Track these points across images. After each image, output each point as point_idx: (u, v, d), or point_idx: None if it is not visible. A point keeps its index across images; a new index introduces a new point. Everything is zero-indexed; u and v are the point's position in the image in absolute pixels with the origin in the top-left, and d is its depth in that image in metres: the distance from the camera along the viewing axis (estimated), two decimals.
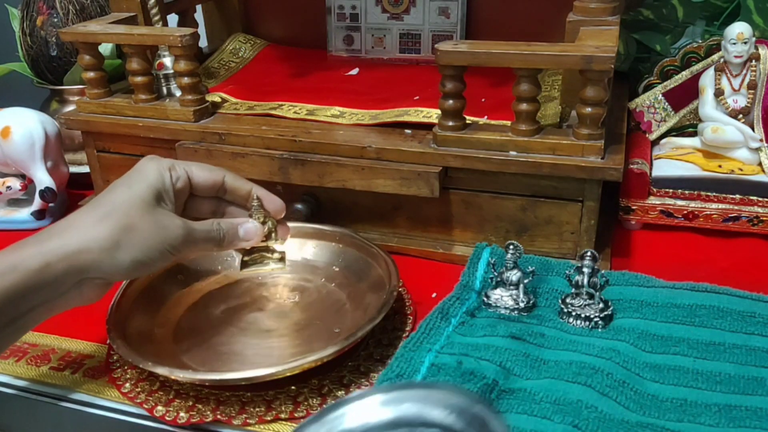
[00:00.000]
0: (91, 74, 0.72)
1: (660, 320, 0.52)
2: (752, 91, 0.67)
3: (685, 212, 0.67)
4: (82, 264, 0.45)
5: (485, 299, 0.55)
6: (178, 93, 0.72)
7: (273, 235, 0.54)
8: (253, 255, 0.55)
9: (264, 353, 0.53)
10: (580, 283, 0.53)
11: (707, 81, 0.69)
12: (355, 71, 0.85)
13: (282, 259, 0.55)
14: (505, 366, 0.48)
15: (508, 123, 0.61)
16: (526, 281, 0.55)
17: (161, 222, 0.48)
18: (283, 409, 0.47)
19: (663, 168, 0.69)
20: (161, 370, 0.47)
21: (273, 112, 0.71)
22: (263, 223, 0.54)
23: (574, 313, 0.53)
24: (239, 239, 0.53)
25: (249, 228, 0.53)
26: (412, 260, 0.65)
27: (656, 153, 0.73)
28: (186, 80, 0.68)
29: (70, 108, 0.80)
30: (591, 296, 0.53)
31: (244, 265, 0.55)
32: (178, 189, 0.51)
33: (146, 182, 0.49)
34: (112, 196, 0.48)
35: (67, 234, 0.45)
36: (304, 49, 0.93)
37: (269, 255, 0.55)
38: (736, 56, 0.66)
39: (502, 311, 0.54)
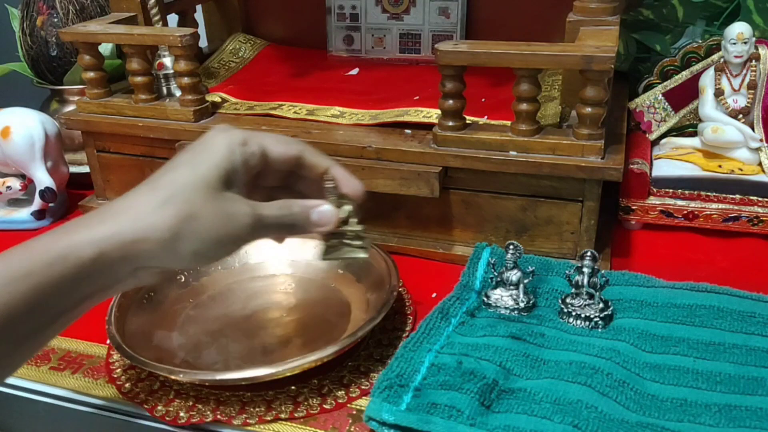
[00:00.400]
0: (91, 74, 0.72)
1: (660, 320, 0.52)
2: (752, 91, 0.67)
3: (685, 212, 0.67)
4: (139, 254, 0.40)
5: (485, 299, 0.55)
6: (178, 93, 0.72)
7: (351, 220, 0.48)
8: (333, 242, 0.48)
9: (264, 353, 0.53)
10: (580, 283, 0.53)
11: (707, 81, 0.69)
12: (355, 71, 0.85)
13: (364, 247, 0.48)
14: (505, 366, 0.48)
15: (508, 123, 0.61)
16: (526, 281, 0.55)
17: (227, 210, 0.42)
18: (283, 409, 0.47)
19: (663, 168, 0.69)
20: (161, 370, 0.47)
21: (273, 112, 0.71)
22: (339, 206, 0.47)
23: (574, 313, 0.53)
24: (312, 225, 0.46)
25: (323, 212, 0.46)
26: (412, 260, 0.65)
27: (656, 153, 0.73)
28: (186, 80, 0.68)
29: (70, 108, 0.80)
30: (591, 296, 0.53)
31: (324, 252, 0.49)
32: (250, 167, 0.44)
33: (213, 162, 0.42)
34: (174, 175, 0.42)
35: (123, 219, 0.40)
36: (304, 49, 0.93)
37: (350, 242, 0.48)
38: (736, 56, 0.66)
39: (502, 311, 0.54)
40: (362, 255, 0.48)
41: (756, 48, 0.67)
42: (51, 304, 0.39)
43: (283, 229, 0.45)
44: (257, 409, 0.48)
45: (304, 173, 0.48)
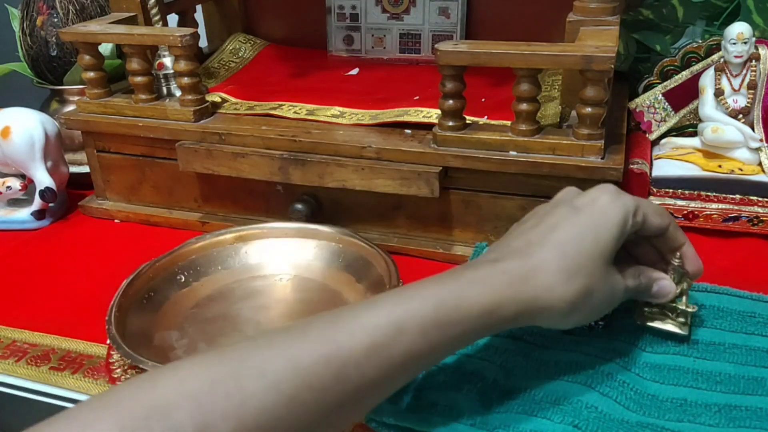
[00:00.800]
0: (91, 74, 0.72)
1: None
2: (752, 91, 0.67)
3: (685, 212, 0.67)
4: (538, 318, 0.42)
5: None
6: (178, 93, 0.72)
7: (684, 298, 0.49)
8: (654, 310, 0.50)
9: None
10: None
11: (707, 81, 0.69)
12: (355, 71, 0.85)
13: (686, 324, 0.50)
14: (505, 366, 0.48)
15: (508, 123, 0.61)
16: None
17: (612, 285, 0.44)
18: None
19: (663, 168, 0.69)
20: None
21: (273, 112, 0.71)
22: (678, 283, 0.49)
23: None
24: (650, 295, 0.48)
25: (663, 286, 0.48)
26: (412, 260, 0.65)
27: (656, 153, 0.73)
28: (186, 80, 0.68)
29: (70, 108, 0.80)
30: None
31: (643, 317, 0.51)
32: (628, 234, 0.45)
33: (613, 234, 0.43)
34: (582, 246, 0.42)
35: (539, 285, 0.41)
36: (304, 49, 0.93)
37: (672, 315, 0.50)
38: (736, 56, 0.66)
39: None
40: (681, 332, 0.50)
41: (756, 48, 0.67)
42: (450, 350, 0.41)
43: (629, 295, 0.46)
44: None
45: (655, 243, 0.49)
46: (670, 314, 0.50)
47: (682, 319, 0.50)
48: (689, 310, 0.49)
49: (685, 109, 0.74)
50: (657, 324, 0.50)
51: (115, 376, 0.52)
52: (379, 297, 0.40)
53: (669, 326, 0.50)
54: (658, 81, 0.75)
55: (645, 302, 0.50)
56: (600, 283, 0.42)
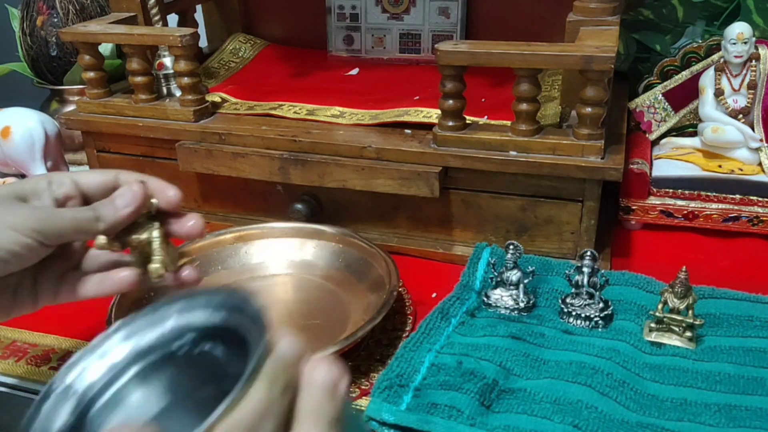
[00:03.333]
0: (91, 74, 0.72)
1: None
2: (752, 91, 0.67)
3: (685, 212, 0.67)
4: None
5: (485, 299, 0.55)
6: (178, 93, 0.72)
7: (690, 312, 0.49)
8: (661, 326, 0.51)
9: None
10: (580, 283, 0.53)
11: (707, 81, 0.69)
12: (355, 71, 0.85)
13: (693, 339, 0.50)
14: (505, 366, 0.48)
15: (508, 123, 0.61)
16: (526, 281, 0.55)
17: (14, 205, 0.41)
18: None
19: (663, 168, 0.69)
20: None
21: (273, 112, 0.71)
22: (683, 297, 0.49)
23: (574, 313, 0.53)
24: (115, 206, 0.43)
25: (121, 192, 0.44)
26: (412, 260, 0.65)
27: (656, 153, 0.73)
28: (186, 80, 0.68)
29: (70, 108, 0.80)
30: (591, 296, 0.53)
31: (650, 331, 0.51)
32: (59, 196, 0.43)
33: (13, 185, 0.43)
34: None
35: None
36: (304, 49, 0.93)
37: (678, 330, 0.50)
38: (736, 56, 0.66)
39: (502, 311, 0.54)
40: (686, 346, 0.50)
41: (756, 48, 0.67)
42: None
43: (83, 221, 0.42)
44: None
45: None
46: (677, 329, 0.50)
47: (689, 334, 0.50)
48: (696, 323, 0.50)
49: (685, 109, 0.74)
50: (665, 339, 0.50)
51: None
52: None
53: (676, 341, 0.50)
54: (658, 81, 0.75)
55: (652, 317, 0.51)
56: None
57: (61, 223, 0.42)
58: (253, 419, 0.25)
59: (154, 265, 0.44)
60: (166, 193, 0.45)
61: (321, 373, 0.28)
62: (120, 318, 0.53)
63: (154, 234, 0.44)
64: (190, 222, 0.45)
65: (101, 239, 0.43)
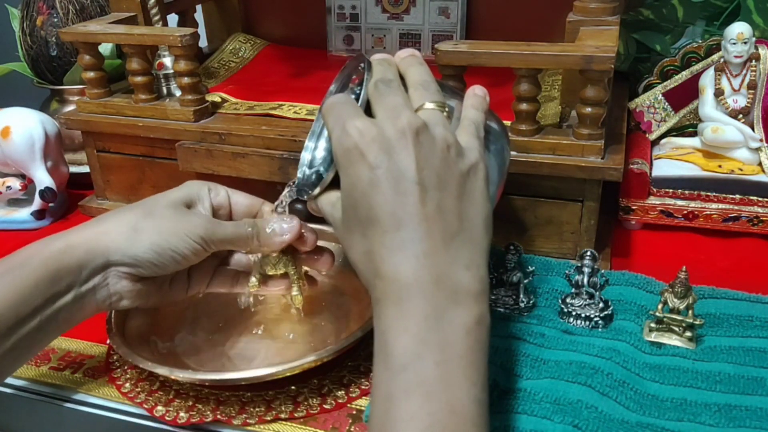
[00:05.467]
0: (91, 74, 0.72)
1: None
2: (752, 91, 0.67)
3: (685, 212, 0.67)
4: (102, 247, 0.45)
5: None
6: (178, 93, 0.72)
7: (690, 311, 0.50)
8: (661, 326, 0.51)
9: (264, 353, 0.53)
10: (580, 282, 0.53)
11: (707, 81, 0.69)
12: None
13: (693, 339, 0.50)
14: (505, 366, 0.48)
15: (508, 123, 0.61)
16: (526, 281, 0.55)
17: (183, 214, 0.48)
18: (283, 409, 0.47)
19: (663, 168, 0.69)
20: (161, 370, 0.47)
21: (273, 112, 0.70)
22: (683, 297, 0.50)
23: (574, 313, 0.53)
24: (275, 232, 0.49)
25: (276, 224, 0.49)
26: None
27: (656, 153, 0.73)
28: (186, 80, 0.68)
29: (70, 108, 0.80)
30: (591, 296, 0.53)
31: (650, 332, 0.51)
32: (216, 204, 0.51)
33: (181, 190, 0.50)
34: (145, 199, 0.49)
35: (92, 224, 0.47)
36: (304, 49, 0.93)
37: (678, 330, 0.50)
38: (736, 56, 0.66)
39: (502, 311, 0.54)
40: (688, 347, 0.50)
41: (756, 48, 0.67)
42: (29, 300, 0.43)
43: (242, 237, 0.49)
44: (257, 409, 0.48)
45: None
46: (677, 329, 0.50)
47: (689, 334, 0.50)
48: (696, 323, 0.50)
49: (685, 109, 0.74)
50: (665, 339, 0.50)
51: (115, 376, 0.52)
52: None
53: (676, 341, 0.50)
54: (658, 81, 0.75)
55: (652, 317, 0.51)
56: (164, 211, 0.48)
57: (225, 234, 0.48)
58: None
59: (295, 294, 0.52)
60: (308, 238, 0.51)
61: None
62: (119, 318, 0.53)
63: (290, 270, 0.52)
64: (322, 257, 0.52)
65: (253, 281, 0.51)
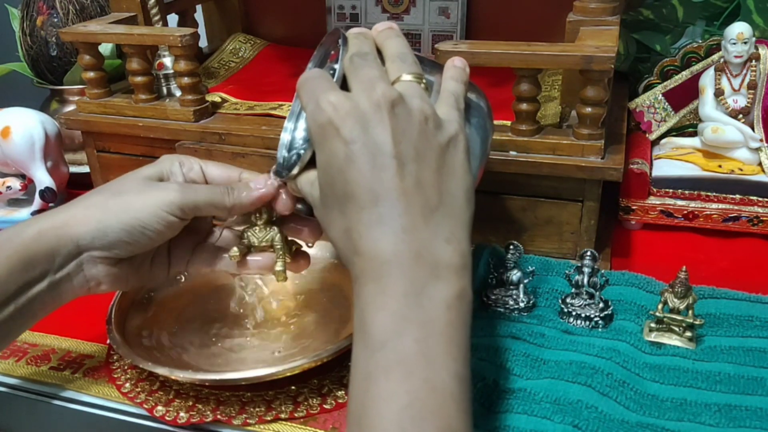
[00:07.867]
0: (91, 74, 0.72)
1: None
2: (752, 91, 0.67)
3: (685, 212, 0.67)
4: (73, 231, 0.44)
5: (485, 299, 0.55)
6: (178, 93, 0.72)
7: (690, 311, 0.50)
8: (661, 325, 0.51)
9: (264, 353, 0.53)
10: (580, 282, 0.53)
11: (707, 81, 0.69)
12: None
13: (693, 339, 0.50)
14: (505, 366, 0.48)
15: (508, 123, 0.61)
16: (526, 281, 0.55)
17: (153, 187, 0.45)
18: (283, 409, 0.47)
19: (663, 168, 0.69)
20: (161, 370, 0.47)
21: (273, 112, 0.70)
22: (683, 297, 0.50)
23: (574, 313, 0.53)
24: (248, 188, 0.47)
25: (256, 178, 0.48)
26: None
27: (656, 153, 0.73)
28: (186, 80, 0.68)
29: (70, 108, 0.80)
30: (591, 296, 0.53)
31: (650, 330, 0.51)
32: (189, 179, 0.48)
33: (153, 167, 0.48)
34: (117, 179, 0.47)
35: (63, 209, 0.45)
36: (304, 49, 0.92)
37: (678, 330, 0.50)
38: (736, 56, 0.66)
39: (502, 311, 0.54)
40: (686, 346, 0.50)
41: (756, 48, 0.67)
42: (2, 288, 0.42)
43: (217, 199, 0.46)
44: (257, 409, 0.48)
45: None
46: (677, 329, 0.50)
47: (689, 334, 0.50)
48: (696, 323, 0.50)
49: (685, 109, 0.74)
50: (665, 339, 0.50)
51: (115, 376, 0.52)
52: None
53: (676, 341, 0.50)
54: (658, 81, 0.75)
55: (652, 317, 0.51)
56: (132, 187, 0.46)
57: (197, 196, 0.45)
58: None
59: (279, 269, 0.49)
60: (284, 199, 0.47)
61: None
62: (119, 318, 0.53)
63: (276, 238, 0.49)
64: (308, 227, 0.49)
65: (235, 250, 0.48)
